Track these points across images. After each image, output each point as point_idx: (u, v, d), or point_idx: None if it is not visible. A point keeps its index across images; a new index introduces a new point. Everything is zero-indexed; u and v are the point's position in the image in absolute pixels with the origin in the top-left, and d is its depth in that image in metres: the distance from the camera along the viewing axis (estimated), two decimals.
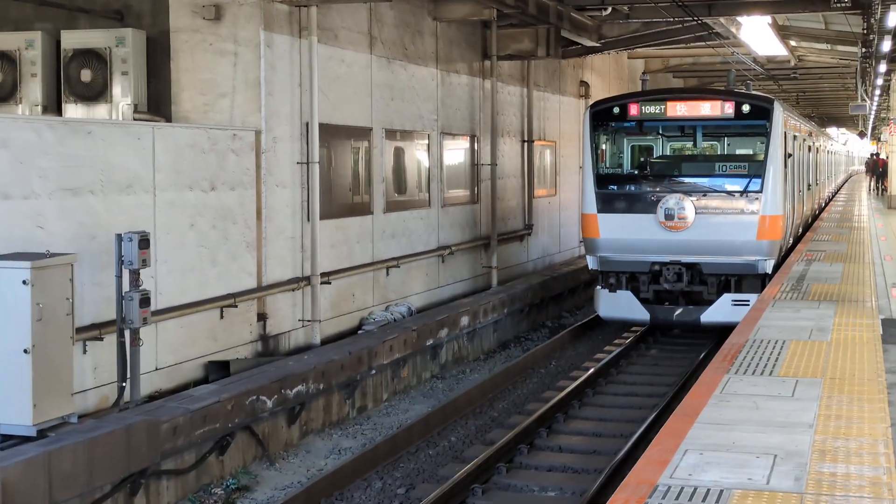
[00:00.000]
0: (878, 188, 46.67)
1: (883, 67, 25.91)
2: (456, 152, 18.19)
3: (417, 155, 16.54)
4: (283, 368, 10.80)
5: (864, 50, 22.86)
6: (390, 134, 15.38)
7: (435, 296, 16.95)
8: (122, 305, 8.96)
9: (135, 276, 9.00)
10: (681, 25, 20.85)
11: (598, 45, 21.94)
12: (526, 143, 21.28)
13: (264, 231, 12.07)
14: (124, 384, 9.10)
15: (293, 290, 12.65)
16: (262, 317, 12.06)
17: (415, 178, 16.46)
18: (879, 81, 32.82)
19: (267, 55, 12.04)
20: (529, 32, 18.99)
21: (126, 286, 8.99)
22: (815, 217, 26.40)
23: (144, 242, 8.91)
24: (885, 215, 28.92)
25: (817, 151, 26.34)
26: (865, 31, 20.48)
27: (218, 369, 10.98)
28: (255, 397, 9.92)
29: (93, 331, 9.23)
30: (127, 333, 9.06)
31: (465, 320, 15.46)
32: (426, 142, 16.70)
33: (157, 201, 10.20)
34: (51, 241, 8.71)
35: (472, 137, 18.72)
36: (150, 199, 10.10)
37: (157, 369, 10.24)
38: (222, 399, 9.45)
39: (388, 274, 15.29)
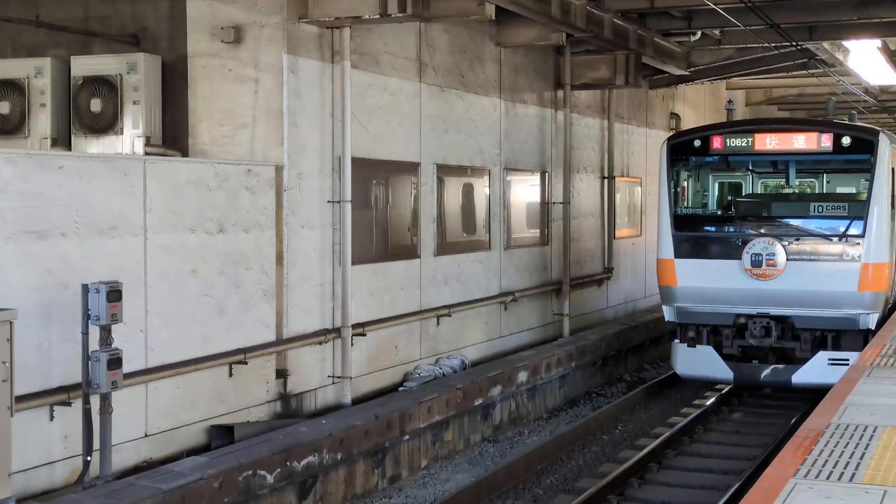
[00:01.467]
0: None
1: None
2: (523, 189, 16.74)
3: (476, 192, 15.13)
4: (293, 436, 9.47)
5: None
6: (443, 169, 14.03)
7: (496, 346, 15.47)
8: (87, 367, 7.76)
9: (104, 332, 7.80)
10: (777, 52, 19.06)
11: (686, 73, 20.29)
12: (606, 180, 19.70)
13: (286, 277, 10.81)
14: (89, 458, 7.88)
15: (321, 343, 11.34)
16: (282, 373, 10.77)
17: (472, 218, 15.05)
18: None
19: (291, 81, 10.84)
20: (607, 59, 17.47)
21: (95, 344, 7.80)
22: None
23: (115, 294, 7.71)
24: None
25: None
26: None
27: (223, 434, 9.71)
28: (250, 472, 8.60)
29: (61, 394, 8.06)
30: (96, 399, 7.85)
31: (522, 376, 13.94)
32: (486, 178, 15.29)
33: (149, 245, 9.02)
34: (7, 292, 7.58)
35: (543, 173, 17.25)
36: (139, 243, 8.92)
37: (146, 436, 9.01)
38: (207, 476, 8.16)
39: (438, 324, 13.89)
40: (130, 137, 10.67)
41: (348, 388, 11.48)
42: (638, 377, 17.78)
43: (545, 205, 17.32)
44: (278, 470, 8.91)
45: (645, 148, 21.95)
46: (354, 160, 11.70)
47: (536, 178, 17.14)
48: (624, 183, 20.88)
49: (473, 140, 14.85)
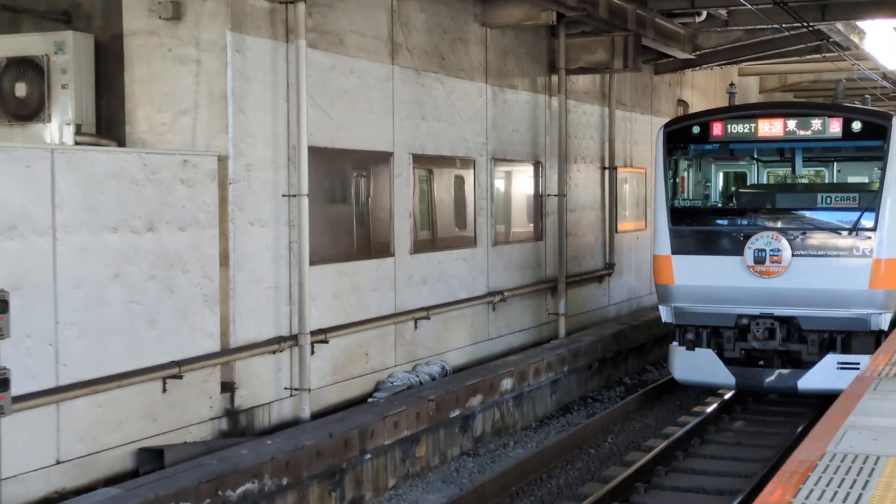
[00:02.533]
0: None
1: None
2: (513, 181, 15.67)
3: (459, 184, 14.07)
4: (229, 460, 8.46)
5: None
6: (420, 160, 12.98)
7: (483, 350, 14.42)
8: None
9: None
10: (788, 34, 17.87)
11: (692, 56, 19.15)
12: (607, 171, 18.59)
13: (233, 280, 9.80)
14: None
15: (275, 353, 10.33)
16: (228, 387, 9.75)
17: (455, 213, 13.99)
18: None
19: (236, 62, 9.81)
20: (604, 41, 16.35)
21: None
22: None
23: (1, 305, 6.71)
24: None
25: None
26: None
27: (153, 458, 8.70)
28: None
29: None
30: None
31: (507, 383, 12.88)
32: (471, 169, 14.22)
33: (60, 246, 8.01)
34: None
35: (536, 164, 16.17)
36: (46, 244, 7.92)
37: (58, 463, 8.01)
38: None
39: (416, 327, 12.85)
40: (59, 125, 9.66)
41: (307, 401, 10.47)
42: (639, 379, 16.70)
43: (539, 197, 16.25)
44: (207, 501, 7.90)
45: (650, 137, 20.77)
46: (314, 149, 10.68)
47: (529, 168, 16.06)
48: (627, 174, 19.77)
49: (456, 128, 13.78)
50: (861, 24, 19.24)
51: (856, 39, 19.82)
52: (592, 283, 18.25)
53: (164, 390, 8.96)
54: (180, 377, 9.00)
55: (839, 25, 18.16)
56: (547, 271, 16.38)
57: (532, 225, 16.19)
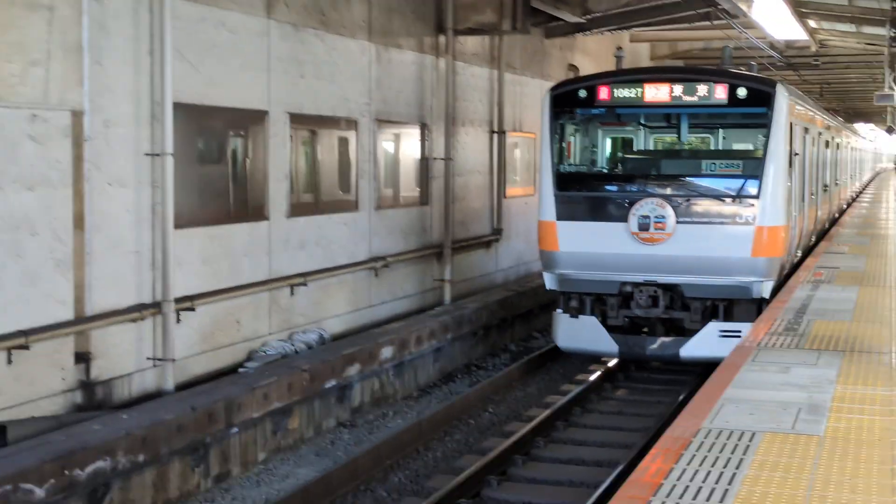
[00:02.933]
0: None
1: None
2: (398, 144, 15.24)
3: (340, 146, 13.59)
4: (78, 437, 7.89)
5: (893, 31, 19.67)
6: (299, 119, 12.44)
7: (365, 317, 14.01)
8: None
9: None
10: (676, 0, 17.77)
11: (582, 20, 18.92)
12: (496, 135, 18.28)
13: (89, 244, 9.15)
14: None
15: (136, 321, 9.74)
16: (83, 357, 9.15)
17: (336, 175, 13.51)
18: None
19: (93, 10, 9.12)
20: (493, 1, 15.99)
21: None
22: (834, 222, 23.25)
23: None
24: None
25: (837, 147, 23.18)
26: (893, 6, 17.33)
27: None
28: (10, 487, 7.01)
29: None
30: None
31: (387, 352, 12.50)
32: (353, 131, 13.73)
33: None
34: None
35: (422, 126, 15.76)
36: None
37: None
38: None
39: (292, 293, 12.36)
40: None
41: (171, 372, 9.92)
42: (525, 347, 16.51)
43: (425, 161, 15.85)
44: (52, 481, 7.33)
45: (540, 101, 20.49)
46: (181, 106, 10.07)
47: (415, 131, 15.64)
48: (516, 138, 19.50)
49: (337, 87, 13.25)
50: None
51: (744, 7, 19.81)
52: (480, 249, 17.98)
53: (10, 362, 8.31)
54: (27, 347, 8.37)
55: None
56: (433, 236, 16.03)
57: (418, 189, 15.80)
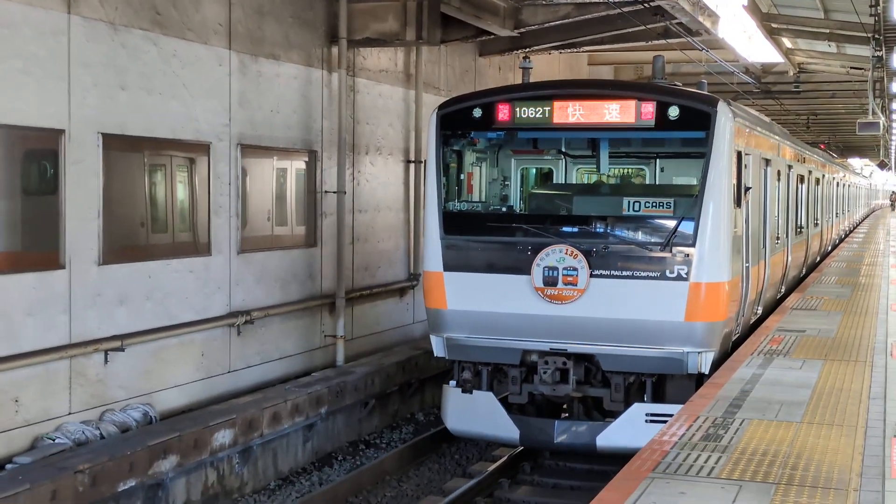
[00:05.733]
0: None
1: None
2: (275, 174, 12.68)
3: (184, 175, 11.02)
4: None
5: (876, 50, 17.18)
6: (119, 141, 9.89)
7: (221, 386, 11.39)
8: None
9: None
10: (621, 11, 15.25)
11: (515, 34, 16.37)
12: (413, 165, 15.72)
13: None
14: None
15: None
16: None
17: (178, 211, 10.93)
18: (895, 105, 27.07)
19: None
20: (395, 7, 13.48)
21: None
22: (814, 267, 20.66)
23: None
24: None
25: (817, 183, 20.62)
26: (875, 18, 14.84)
27: None
28: None
29: None
30: None
31: (224, 437, 9.85)
32: (205, 157, 11.15)
33: None
34: None
35: (311, 153, 13.20)
36: None
37: None
38: None
39: (107, 361, 9.74)
40: None
41: None
42: (435, 415, 13.86)
43: (313, 194, 13.27)
44: None
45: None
46: None
47: (299, 159, 13.08)
48: None
49: (180, 104, 10.70)
50: (712, 4, 16.81)
51: (707, 23, 17.35)
52: (391, 298, 15.36)
53: None
54: None
55: (684, 3, 15.64)
56: (323, 284, 13.43)
57: (304, 228, 13.21)
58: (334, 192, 13.37)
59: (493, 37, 16.49)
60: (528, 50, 18.13)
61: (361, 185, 14.35)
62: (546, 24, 16.18)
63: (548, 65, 21.20)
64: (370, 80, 14.47)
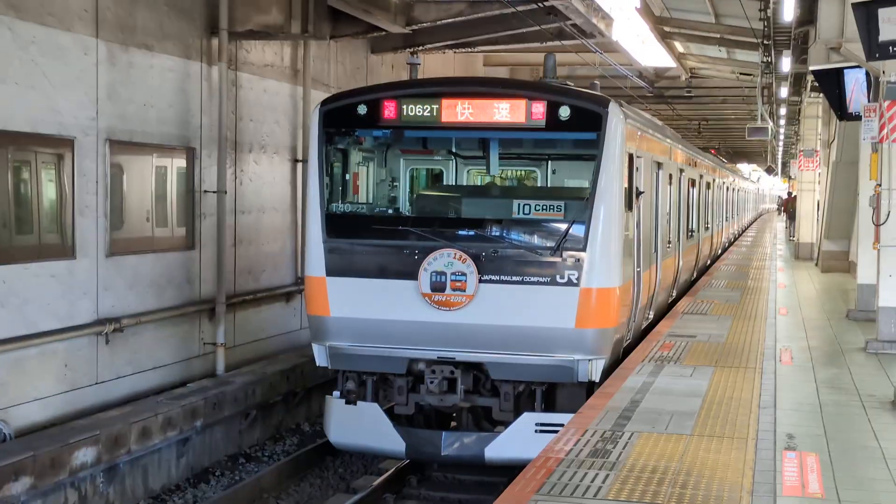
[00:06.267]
0: (789, 230, 41.52)
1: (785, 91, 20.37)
2: (149, 172, 11.95)
3: (44, 172, 10.25)
4: None
5: (765, 56, 17.23)
6: None
7: (88, 398, 10.63)
8: None
9: None
10: (515, 10, 14.92)
11: (407, 31, 15.94)
12: (301, 164, 15.11)
13: None
14: None
15: None
16: None
17: (35, 210, 10.15)
18: (783, 111, 27.50)
19: None
20: (279, 0, 12.87)
21: None
22: (704, 271, 20.71)
23: None
24: (792, 268, 23.37)
25: (708, 187, 20.68)
26: (765, 23, 14.81)
27: None
28: None
29: None
30: None
31: (85, 455, 9.14)
32: (68, 152, 10.39)
33: None
34: None
35: (189, 151, 12.50)
36: None
37: None
38: None
39: None
40: None
41: None
42: (322, 425, 13.27)
43: (191, 194, 12.58)
44: None
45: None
46: None
47: (176, 156, 12.38)
48: None
49: (39, 94, 9.93)
50: (606, 7, 16.64)
51: (601, 25, 17.18)
52: (277, 303, 14.73)
53: None
54: None
55: (577, 4, 15.41)
56: (202, 289, 12.75)
57: (182, 229, 12.52)
58: (214, 192, 12.70)
59: (384, 33, 16.05)
60: (421, 48, 17.71)
61: (245, 184, 13.72)
62: (439, 22, 15.81)
63: (443, 65, 20.80)
64: (254, 75, 13.83)
